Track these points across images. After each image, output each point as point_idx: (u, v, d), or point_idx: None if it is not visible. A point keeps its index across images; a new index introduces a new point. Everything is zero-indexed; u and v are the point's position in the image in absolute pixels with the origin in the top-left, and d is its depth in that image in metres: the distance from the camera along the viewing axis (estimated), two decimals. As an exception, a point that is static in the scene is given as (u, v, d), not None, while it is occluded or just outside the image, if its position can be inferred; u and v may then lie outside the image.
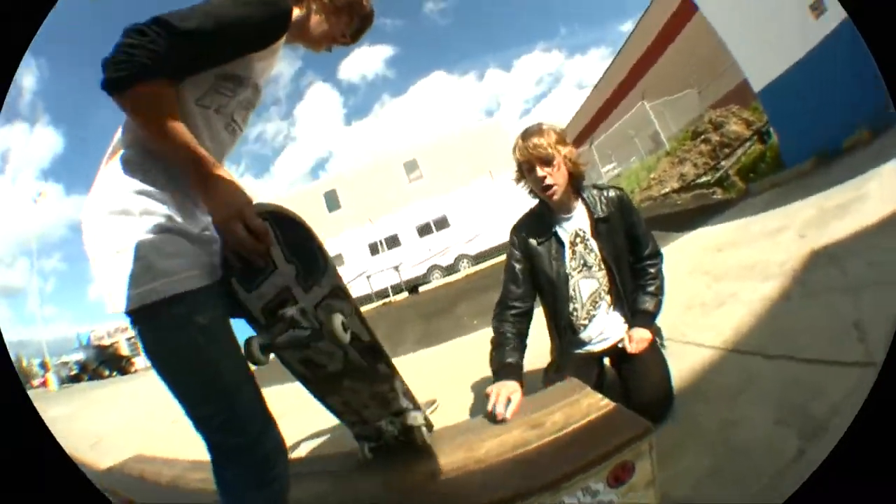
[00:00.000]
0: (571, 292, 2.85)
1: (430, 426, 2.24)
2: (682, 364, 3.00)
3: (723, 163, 12.24)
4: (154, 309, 1.35)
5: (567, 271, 2.84)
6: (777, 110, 8.81)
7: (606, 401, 1.97)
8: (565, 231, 2.86)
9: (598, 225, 2.83)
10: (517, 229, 2.97)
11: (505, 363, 2.57)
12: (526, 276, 2.88)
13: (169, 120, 1.35)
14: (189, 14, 1.34)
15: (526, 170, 2.80)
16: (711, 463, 2.14)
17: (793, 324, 3.02)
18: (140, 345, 1.45)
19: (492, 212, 22.93)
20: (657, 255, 2.98)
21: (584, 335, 2.89)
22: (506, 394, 2.26)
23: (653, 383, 2.64)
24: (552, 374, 2.83)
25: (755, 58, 8.60)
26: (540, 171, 2.71)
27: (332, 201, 34.58)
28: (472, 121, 55.36)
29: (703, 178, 12.35)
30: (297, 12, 1.72)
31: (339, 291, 1.74)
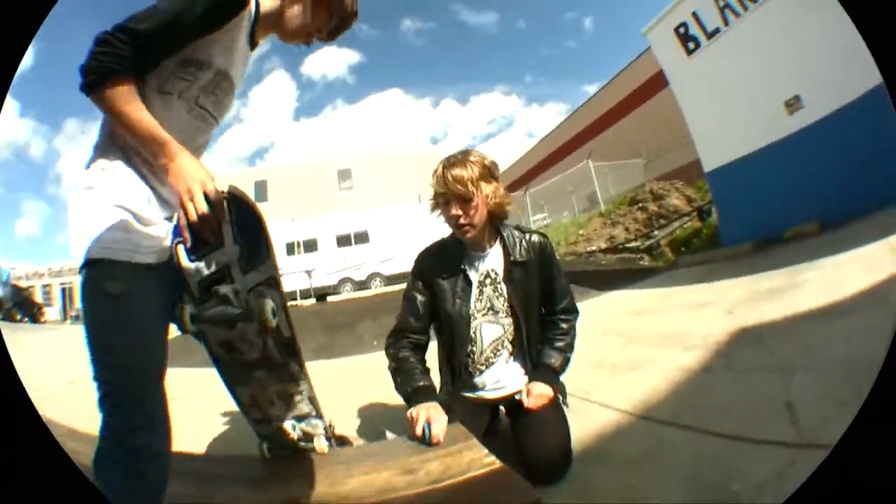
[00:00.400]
0: (472, 334, 2.62)
1: (332, 438, 2.34)
2: (585, 424, 2.72)
3: (656, 232, 12.32)
4: (90, 266, 1.51)
5: (470, 312, 2.61)
6: (723, 191, 8.82)
7: (492, 458, 1.79)
8: (475, 270, 2.64)
9: (512, 269, 2.60)
10: (423, 259, 2.75)
11: (419, 386, 2.41)
12: (426, 309, 2.66)
13: (134, 111, 1.49)
14: (145, 15, 1.48)
15: (441, 202, 2.55)
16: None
17: (712, 397, 2.81)
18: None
19: (413, 237, 22.23)
20: (572, 311, 2.77)
21: (478, 380, 2.67)
22: (434, 415, 2.16)
23: (549, 443, 2.30)
24: None
25: (713, 140, 8.64)
26: (454, 209, 2.46)
27: (260, 192, 34.37)
28: (415, 144, 56.00)
29: (633, 244, 12.38)
30: (272, 2, 1.84)
31: (274, 282, 1.76)
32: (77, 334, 15.74)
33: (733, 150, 8.15)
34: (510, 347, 2.64)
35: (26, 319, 23.68)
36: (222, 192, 1.58)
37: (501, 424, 2.77)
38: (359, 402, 3.97)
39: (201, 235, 1.58)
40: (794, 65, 6.95)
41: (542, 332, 2.70)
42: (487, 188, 2.46)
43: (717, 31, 8.10)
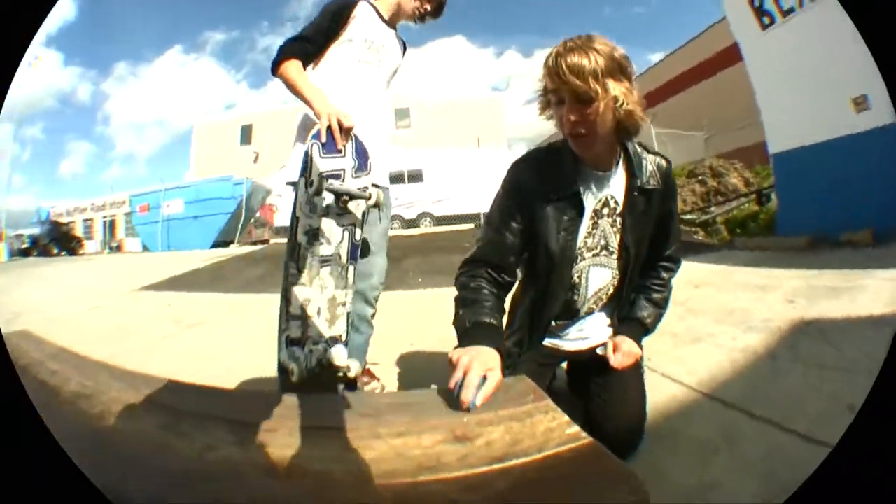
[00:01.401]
0: (576, 279, 2.00)
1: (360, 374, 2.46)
2: (649, 396, 2.51)
3: (713, 208, 12.07)
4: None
5: (578, 249, 1.95)
6: (786, 178, 8.53)
7: (576, 428, 1.17)
8: (592, 193, 1.93)
9: (637, 197, 1.94)
10: (523, 170, 1.98)
11: (482, 322, 1.69)
12: (519, 240, 1.93)
13: (297, 80, 2.52)
14: (306, 27, 2.68)
15: (553, 101, 1.81)
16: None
17: (782, 388, 2.69)
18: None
19: (467, 180, 22.59)
20: (678, 260, 2.24)
21: (563, 331, 2.15)
22: (480, 369, 1.37)
23: (630, 411, 2.02)
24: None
25: (782, 122, 8.33)
26: (569, 111, 1.73)
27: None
28: (476, 90, 55.25)
29: (689, 216, 12.10)
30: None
31: (366, 190, 2.37)
32: (111, 262, 16.13)
33: (800, 136, 7.89)
34: (609, 294, 2.10)
35: (63, 253, 24.26)
36: (350, 126, 2.35)
37: (557, 382, 2.42)
38: (397, 343, 3.84)
39: (333, 145, 2.32)
40: (865, 64, 6.51)
41: (640, 278, 2.18)
42: (616, 88, 1.71)
43: (791, 10, 7.76)
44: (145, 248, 23.67)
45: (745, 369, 2.98)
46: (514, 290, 2.09)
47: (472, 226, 17.45)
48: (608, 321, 2.19)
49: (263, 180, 24.93)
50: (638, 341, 2.11)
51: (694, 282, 5.56)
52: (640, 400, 2.09)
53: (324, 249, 2.29)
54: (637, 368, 2.12)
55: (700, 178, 14.16)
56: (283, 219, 22.93)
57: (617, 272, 2.05)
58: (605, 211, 1.96)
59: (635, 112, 1.79)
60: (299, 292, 2.26)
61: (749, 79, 8.84)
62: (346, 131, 2.34)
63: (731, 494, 1.87)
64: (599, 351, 2.09)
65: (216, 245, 20.31)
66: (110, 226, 34.76)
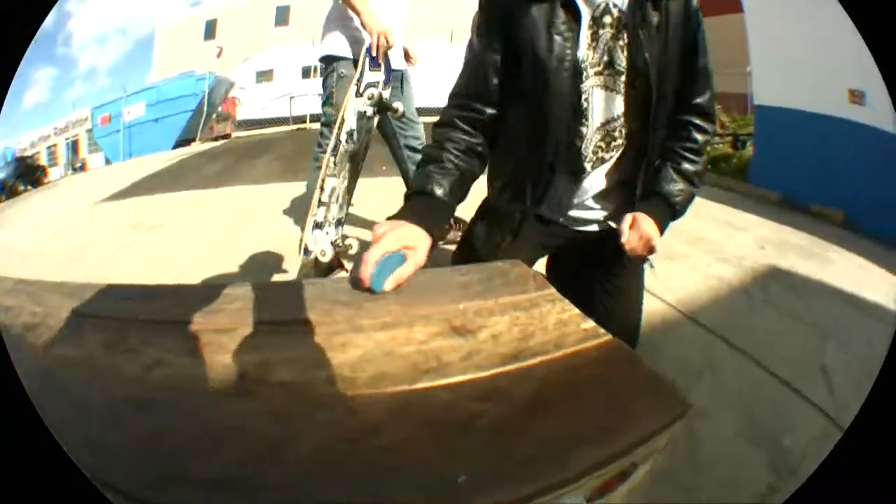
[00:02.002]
0: (582, 101, 1.39)
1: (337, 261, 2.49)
2: None
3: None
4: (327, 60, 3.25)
5: (580, 63, 1.38)
6: (766, 131, 8.27)
7: (591, 323, 0.98)
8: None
9: (643, 8, 1.38)
10: None
11: (427, 190, 1.30)
12: (503, 62, 1.44)
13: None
14: None
15: None
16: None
17: (755, 324, 2.70)
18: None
19: (439, 77, 22.02)
20: (713, 115, 1.57)
21: (578, 191, 1.51)
22: (393, 244, 1.03)
23: (626, 313, 1.63)
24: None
25: (772, 79, 8.04)
26: None
27: (281, 16, 32.48)
28: None
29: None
30: None
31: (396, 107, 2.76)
32: (73, 183, 15.95)
33: (789, 97, 7.61)
34: (625, 140, 1.44)
35: (29, 187, 22.56)
36: (392, 44, 2.80)
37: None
38: (365, 232, 3.68)
39: (377, 57, 2.73)
40: (868, 63, 6.40)
41: (666, 140, 1.52)
42: None
43: None
44: (108, 162, 22.61)
45: (721, 298, 2.98)
46: (499, 144, 1.54)
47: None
48: (623, 193, 1.52)
49: (227, 73, 24.30)
50: (662, 224, 1.43)
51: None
52: (638, 305, 1.72)
53: (352, 147, 2.56)
54: (638, 269, 1.65)
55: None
56: (246, 112, 22.63)
57: (633, 105, 1.41)
58: (607, 20, 1.39)
59: None
60: (331, 183, 2.49)
61: (745, 28, 8.38)
62: (388, 48, 2.81)
63: (717, 427, 1.84)
64: (612, 223, 1.50)
65: (178, 145, 19.49)
66: (73, 146, 33.09)
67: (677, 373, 2.05)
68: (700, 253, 3.71)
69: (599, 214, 1.54)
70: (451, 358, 0.87)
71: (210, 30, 35.22)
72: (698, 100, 1.51)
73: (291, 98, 20.92)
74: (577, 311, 1.04)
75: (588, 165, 1.44)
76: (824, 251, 4.51)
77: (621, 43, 1.39)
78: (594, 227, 1.56)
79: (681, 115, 1.52)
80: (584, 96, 1.39)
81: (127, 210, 6.77)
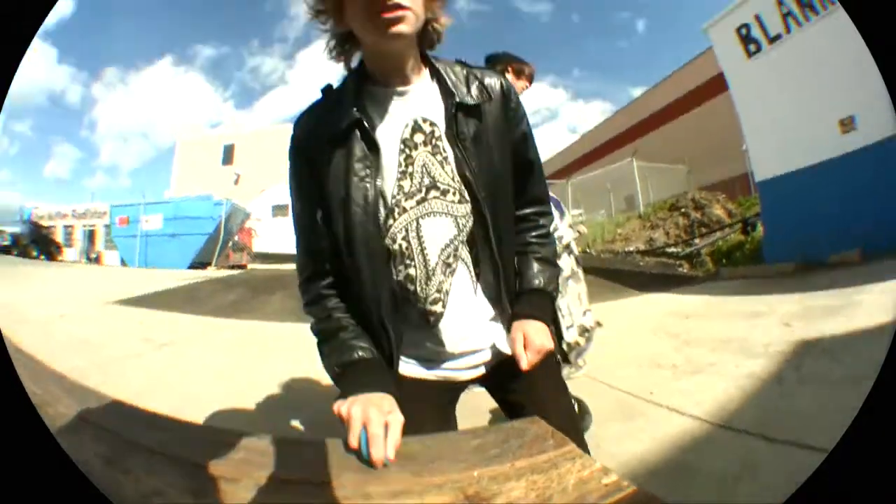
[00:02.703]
0: (400, 242, 1.30)
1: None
2: (660, 431, 2.55)
3: (697, 240, 12.11)
4: None
5: (393, 199, 1.29)
6: (772, 205, 8.60)
7: (614, 477, 0.92)
8: (391, 118, 1.32)
9: (462, 116, 1.33)
10: (299, 119, 1.40)
11: (357, 359, 1.24)
12: (318, 208, 1.33)
13: None
14: None
15: None
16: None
17: (793, 407, 2.65)
18: None
19: None
20: (548, 202, 1.60)
21: (433, 338, 1.37)
22: (379, 417, 1.02)
23: (558, 410, 1.44)
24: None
25: (768, 149, 8.49)
26: None
27: None
28: None
29: (673, 249, 12.12)
30: None
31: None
32: (87, 272, 16.33)
33: (786, 162, 8.00)
34: (471, 259, 1.36)
35: (42, 256, 24.14)
36: None
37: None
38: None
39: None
40: (852, 85, 6.69)
41: (516, 236, 1.51)
42: None
43: (778, 36, 7.95)
44: (123, 263, 23.37)
45: (754, 394, 2.92)
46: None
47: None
48: (491, 311, 1.41)
49: (244, 202, 24.90)
50: (548, 319, 1.41)
51: (684, 313, 5.54)
52: (569, 411, 1.58)
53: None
54: (550, 365, 1.46)
55: (683, 210, 14.23)
56: (262, 244, 23.30)
57: (468, 219, 1.34)
58: (420, 138, 1.32)
59: (440, 18, 1.34)
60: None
61: (735, 107, 9.00)
62: None
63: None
64: (500, 347, 1.38)
65: (193, 266, 20.24)
66: (90, 235, 34.57)
67: (714, 485, 2.04)
68: (727, 356, 3.68)
69: (481, 357, 1.41)
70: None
71: (228, 155, 37.27)
72: (535, 191, 1.53)
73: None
74: (598, 465, 0.98)
75: (437, 307, 1.33)
76: (850, 298, 4.56)
77: (440, 158, 1.32)
78: (481, 369, 1.42)
79: (522, 209, 1.51)
80: (406, 235, 1.31)
81: (139, 320, 6.83)
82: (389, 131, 1.30)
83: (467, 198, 1.33)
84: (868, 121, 6.76)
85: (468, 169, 1.31)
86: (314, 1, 1.27)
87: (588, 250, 15.44)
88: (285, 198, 22.69)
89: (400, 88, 1.33)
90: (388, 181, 1.29)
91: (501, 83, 1.43)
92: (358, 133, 1.27)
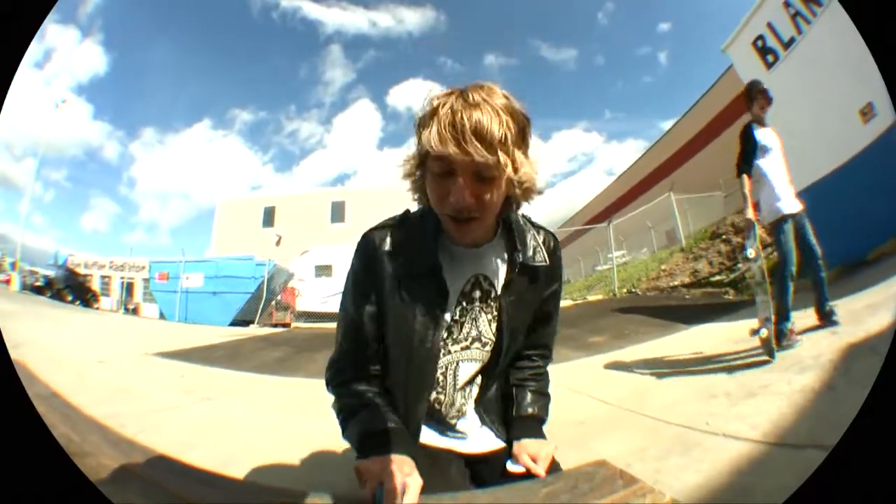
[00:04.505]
0: (440, 376, 1.55)
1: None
2: (718, 458, 2.53)
3: (740, 265, 11.96)
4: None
5: (443, 342, 1.50)
6: (811, 215, 8.43)
7: None
8: (459, 271, 1.49)
9: (517, 278, 1.52)
10: (373, 241, 1.51)
11: (384, 428, 1.36)
12: (376, 325, 1.50)
13: None
14: None
15: (436, 171, 1.30)
16: None
17: (847, 412, 2.58)
18: None
19: None
20: (551, 347, 1.81)
21: (452, 421, 1.63)
22: (399, 475, 1.15)
23: None
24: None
25: (797, 161, 8.28)
26: (465, 189, 1.26)
27: (337, 212, 36.19)
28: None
29: (717, 277, 12.02)
30: None
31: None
32: (126, 321, 16.19)
33: (815, 170, 7.87)
34: (481, 385, 1.65)
35: (77, 302, 24.05)
36: None
37: None
38: None
39: None
40: (862, 70, 6.66)
41: (518, 369, 1.75)
42: (520, 157, 1.32)
43: (792, 40, 7.99)
44: (162, 316, 23.22)
45: (808, 408, 2.93)
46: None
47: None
48: (478, 421, 1.67)
49: (285, 263, 25.10)
50: (542, 436, 1.61)
51: (733, 339, 5.57)
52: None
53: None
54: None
55: (723, 237, 14.18)
56: (305, 303, 23.31)
57: (485, 362, 1.59)
58: (477, 294, 1.51)
59: (534, 187, 1.41)
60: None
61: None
62: None
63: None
64: (512, 468, 1.50)
65: (235, 323, 20.03)
66: (128, 287, 34.85)
67: (771, 499, 2.04)
68: (779, 374, 3.70)
69: (478, 448, 1.62)
70: None
71: (269, 217, 37.72)
72: (544, 339, 1.75)
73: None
74: (668, 498, 1.02)
75: (453, 421, 1.61)
76: (890, 291, 4.79)
77: (489, 315, 1.53)
78: (480, 451, 1.62)
79: (527, 350, 1.73)
80: (445, 371, 1.54)
81: (180, 372, 6.72)
82: (453, 281, 1.46)
83: (495, 346, 1.55)
84: (884, 104, 6.72)
85: (506, 326, 1.51)
86: (401, 168, 1.45)
87: (634, 290, 15.39)
88: (328, 258, 23.58)
89: (471, 249, 1.48)
90: (443, 325, 1.47)
91: (552, 244, 1.62)
92: (432, 281, 1.43)
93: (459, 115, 1.21)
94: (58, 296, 23.76)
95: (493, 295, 1.51)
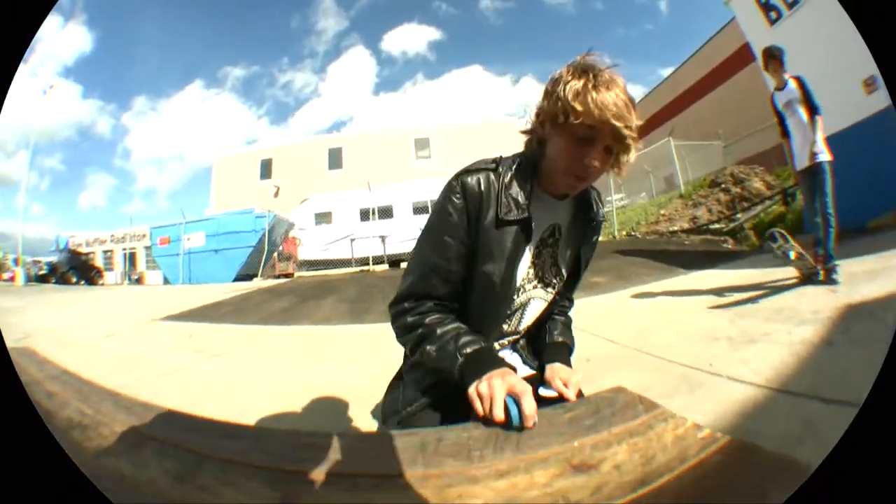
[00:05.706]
0: (514, 310, 1.71)
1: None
2: (721, 399, 2.63)
3: (739, 215, 12.08)
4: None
5: (522, 282, 1.65)
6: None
7: (707, 431, 1.02)
8: (542, 220, 1.63)
9: (581, 228, 1.74)
10: (471, 185, 1.56)
11: (478, 349, 1.41)
12: (462, 266, 1.58)
13: None
14: None
15: (581, 135, 1.41)
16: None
17: (845, 368, 2.76)
18: None
19: None
20: (573, 294, 1.98)
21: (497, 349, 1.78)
22: (516, 385, 1.20)
23: None
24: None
25: None
26: (598, 155, 1.43)
27: (334, 159, 35.51)
28: (494, 116, 55.77)
29: (716, 225, 12.13)
30: None
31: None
32: (131, 292, 16.08)
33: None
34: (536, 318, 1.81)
35: (83, 282, 24.26)
36: None
37: None
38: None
39: None
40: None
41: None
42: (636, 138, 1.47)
43: (796, 1, 7.98)
44: (166, 281, 23.55)
45: (808, 359, 3.02)
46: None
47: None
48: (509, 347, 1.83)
49: (285, 213, 25.08)
50: (568, 363, 1.75)
51: (733, 287, 5.70)
52: None
53: None
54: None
55: (723, 186, 14.21)
56: (307, 252, 23.42)
57: (547, 301, 1.76)
58: (550, 241, 1.68)
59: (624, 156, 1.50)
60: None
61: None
62: None
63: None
64: (542, 392, 1.56)
65: (239, 278, 20.20)
66: (130, 258, 34.83)
67: (777, 446, 2.09)
68: (779, 325, 3.80)
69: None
70: (579, 496, 0.85)
71: (266, 169, 37.31)
72: (571, 293, 1.92)
73: (352, 240, 21.98)
74: (690, 422, 1.06)
75: (506, 340, 1.78)
76: (890, 261, 4.89)
77: (558, 260, 1.72)
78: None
79: (564, 292, 1.86)
80: (521, 308, 1.71)
81: (188, 333, 6.81)
82: (538, 227, 1.61)
83: (553, 287, 1.74)
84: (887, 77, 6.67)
85: (563, 269, 1.73)
86: (537, 126, 1.57)
87: (633, 233, 15.52)
88: (327, 206, 22.98)
89: (555, 200, 1.62)
90: (524, 266, 1.62)
91: (600, 205, 1.78)
92: (522, 228, 1.56)
93: (614, 93, 1.36)
94: (63, 279, 24.02)
95: (559, 241, 1.69)
